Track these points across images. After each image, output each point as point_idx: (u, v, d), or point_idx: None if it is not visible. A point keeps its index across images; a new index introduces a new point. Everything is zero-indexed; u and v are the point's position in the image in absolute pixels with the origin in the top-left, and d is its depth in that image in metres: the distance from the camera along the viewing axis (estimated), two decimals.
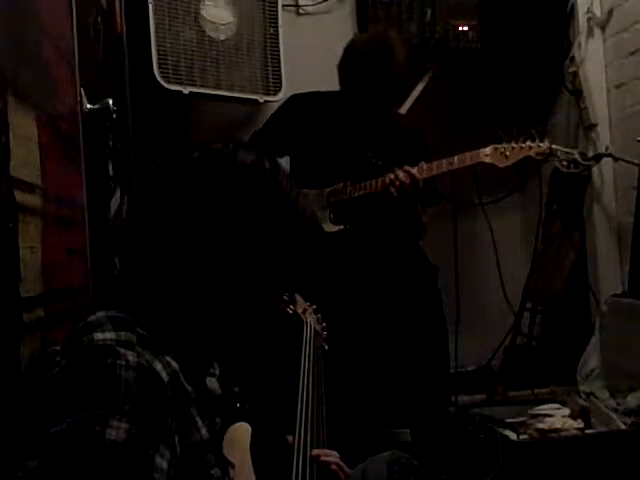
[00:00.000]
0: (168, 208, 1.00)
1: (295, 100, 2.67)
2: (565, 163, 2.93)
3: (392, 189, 2.39)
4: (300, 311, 1.88)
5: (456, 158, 2.42)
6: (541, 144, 2.40)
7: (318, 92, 2.66)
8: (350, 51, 2.49)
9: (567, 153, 2.85)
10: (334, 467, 1.30)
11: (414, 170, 2.39)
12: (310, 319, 1.88)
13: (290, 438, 1.33)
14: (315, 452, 1.30)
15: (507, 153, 2.39)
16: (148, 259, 1.01)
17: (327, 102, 2.63)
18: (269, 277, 1.03)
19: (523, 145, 2.40)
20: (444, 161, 2.42)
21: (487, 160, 2.41)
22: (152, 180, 1.04)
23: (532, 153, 2.40)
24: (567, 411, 2.70)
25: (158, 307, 0.99)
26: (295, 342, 1.73)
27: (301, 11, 3.20)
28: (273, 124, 2.68)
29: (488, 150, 2.41)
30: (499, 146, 2.41)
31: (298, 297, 1.89)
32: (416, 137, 2.62)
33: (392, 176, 2.39)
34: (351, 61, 2.47)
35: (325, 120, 2.60)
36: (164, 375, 0.90)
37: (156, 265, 1.00)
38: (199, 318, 1.01)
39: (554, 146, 2.51)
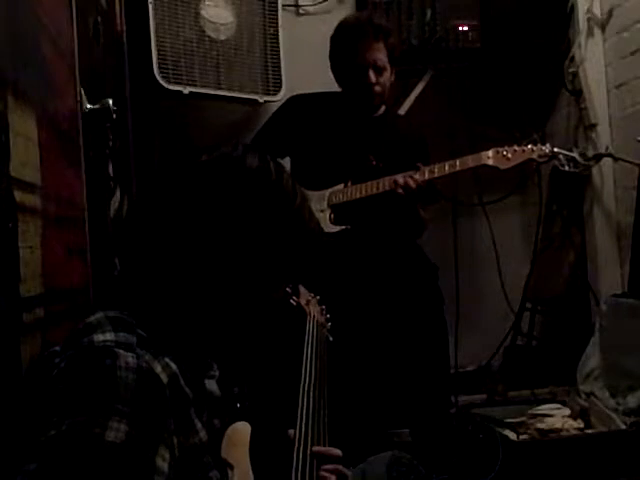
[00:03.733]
0: (173, 210, 1.00)
1: (294, 101, 2.67)
2: (566, 167, 2.94)
3: (398, 189, 2.40)
4: (304, 302, 1.86)
5: (458, 161, 2.43)
6: (543, 147, 2.41)
7: (318, 93, 2.66)
8: (336, 29, 2.58)
9: (568, 156, 2.86)
10: (336, 469, 1.28)
11: (417, 175, 2.40)
12: (314, 310, 1.86)
13: (291, 432, 1.32)
14: (316, 449, 1.28)
15: (509, 155, 2.39)
16: (150, 260, 1.01)
17: (327, 103, 2.63)
18: (269, 279, 1.03)
19: (525, 148, 2.40)
20: (446, 164, 2.43)
21: (489, 163, 2.41)
22: (158, 181, 1.04)
23: (534, 156, 2.40)
24: (567, 411, 2.70)
25: (158, 308, 0.99)
26: (298, 334, 1.72)
27: (301, 11, 3.20)
28: (273, 125, 2.68)
29: (490, 153, 2.42)
30: (501, 149, 2.41)
31: (302, 288, 1.87)
32: (418, 141, 2.63)
33: (398, 180, 2.40)
34: (337, 35, 2.56)
35: (325, 121, 2.60)
36: (163, 377, 0.89)
37: (157, 266, 1.00)
38: (200, 320, 1.01)
39: (556, 149, 2.51)
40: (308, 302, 1.88)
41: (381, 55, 2.50)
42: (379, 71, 2.50)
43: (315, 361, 1.57)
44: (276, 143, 2.56)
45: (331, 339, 1.84)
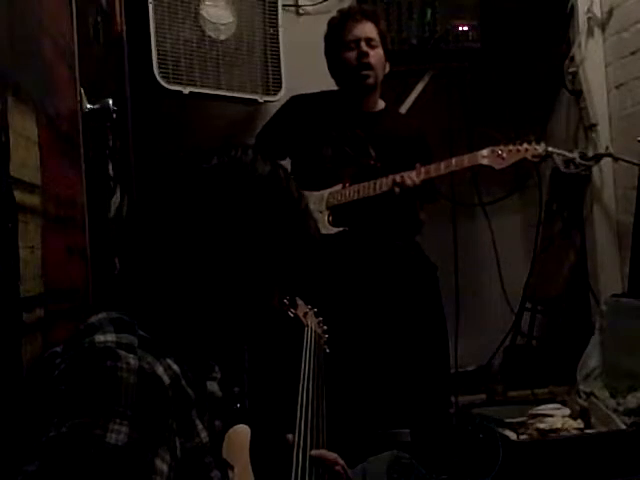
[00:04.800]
0: (180, 213, 1.00)
1: (294, 101, 2.68)
2: (561, 168, 2.94)
3: (396, 189, 2.41)
4: (301, 314, 1.88)
5: (454, 160, 2.44)
6: (537, 146, 2.41)
7: (318, 92, 2.66)
8: (327, 25, 2.65)
9: (564, 155, 2.86)
10: (339, 468, 1.29)
11: (413, 175, 2.40)
12: (311, 322, 1.88)
13: (290, 437, 1.33)
14: (315, 453, 1.30)
15: (504, 155, 2.40)
16: (154, 261, 1.01)
17: (327, 101, 2.63)
18: (272, 282, 1.03)
19: (520, 147, 2.41)
20: (442, 163, 2.44)
21: (484, 162, 2.43)
22: (163, 183, 1.04)
23: (528, 155, 2.41)
24: (567, 411, 2.69)
25: (160, 309, 0.99)
26: (296, 345, 1.73)
27: (301, 11, 3.21)
28: (273, 126, 2.69)
29: (485, 152, 2.43)
30: (496, 148, 2.42)
31: (299, 301, 1.89)
32: (417, 140, 2.62)
33: (395, 180, 2.40)
34: (328, 27, 2.63)
35: (324, 120, 2.60)
36: (165, 378, 0.89)
37: (162, 267, 1.00)
38: (201, 321, 1.01)
39: (550, 148, 2.52)
40: (306, 314, 1.90)
41: (373, 34, 2.54)
42: (371, 46, 2.52)
43: (313, 372, 1.58)
44: (277, 144, 2.57)
45: (328, 351, 1.85)
